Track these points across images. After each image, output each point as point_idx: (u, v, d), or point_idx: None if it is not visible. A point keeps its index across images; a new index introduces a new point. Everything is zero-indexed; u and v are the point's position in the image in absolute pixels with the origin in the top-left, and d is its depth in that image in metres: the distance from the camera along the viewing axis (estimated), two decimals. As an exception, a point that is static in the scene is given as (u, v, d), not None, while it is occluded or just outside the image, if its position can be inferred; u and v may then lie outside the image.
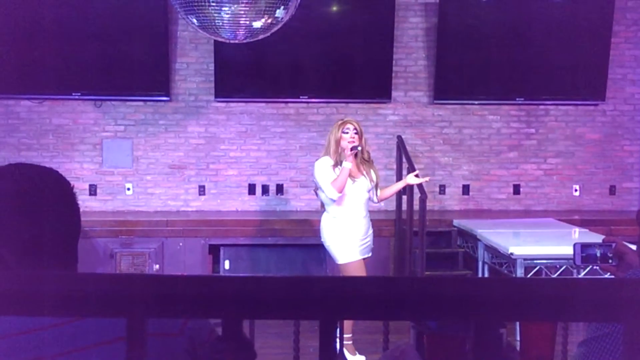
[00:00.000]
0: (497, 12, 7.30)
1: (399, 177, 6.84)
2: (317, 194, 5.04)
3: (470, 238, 6.39)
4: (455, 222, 6.80)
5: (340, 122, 4.90)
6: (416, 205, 6.01)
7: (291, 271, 6.91)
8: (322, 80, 7.30)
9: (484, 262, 6.03)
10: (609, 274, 1.82)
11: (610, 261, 1.77)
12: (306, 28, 6.97)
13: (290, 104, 7.42)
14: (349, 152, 4.70)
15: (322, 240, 5.04)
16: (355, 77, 7.29)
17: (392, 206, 7.02)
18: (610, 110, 7.66)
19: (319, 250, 6.86)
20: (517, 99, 7.47)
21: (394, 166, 7.09)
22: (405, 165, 6.55)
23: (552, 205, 7.63)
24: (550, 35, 7.30)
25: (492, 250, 5.75)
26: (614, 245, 1.77)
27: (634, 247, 1.74)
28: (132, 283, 0.72)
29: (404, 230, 6.46)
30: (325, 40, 7.18)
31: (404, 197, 6.49)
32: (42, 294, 0.69)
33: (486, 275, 5.95)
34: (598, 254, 1.79)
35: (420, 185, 5.93)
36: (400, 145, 6.81)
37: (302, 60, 7.20)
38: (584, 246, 1.82)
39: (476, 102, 7.51)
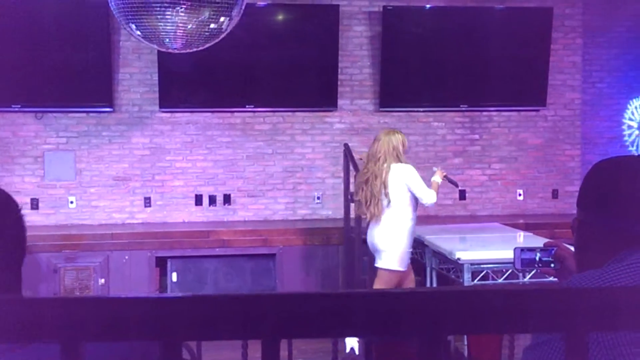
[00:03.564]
0: (440, 21, 7.40)
1: (347, 185, 6.86)
2: (388, 197, 5.09)
3: (418, 244, 6.42)
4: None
5: (396, 131, 5.28)
6: (364, 213, 6.02)
7: (240, 282, 6.86)
8: (268, 90, 7.28)
9: (432, 268, 6.08)
10: (551, 277, 1.85)
11: (552, 265, 1.80)
12: (251, 37, 6.95)
13: (236, 114, 7.38)
14: (443, 177, 5.40)
15: (380, 246, 5.13)
16: (301, 85, 7.29)
17: (340, 214, 7.04)
18: (551, 115, 7.83)
19: (268, 260, 6.85)
20: (461, 105, 7.58)
21: (342, 174, 7.10)
22: (352, 173, 6.58)
23: (497, 210, 7.75)
24: (492, 43, 7.43)
25: (439, 255, 5.79)
26: (554, 249, 1.79)
27: (575, 250, 1.76)
28: (67, 306, 0.70)
29: (352, 237, 6.47)
30: (271, 49, 7.16)
31: (352, 205, 6.51)
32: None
33: (434, 280, 6.00)
34: (537, 258, 1.81)
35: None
36: (347, 153, 6.83)
37: (248, 70, 7.17)
38: (524, 250, 1.84)
39: (421, 110, 7.59)
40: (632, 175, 1.43)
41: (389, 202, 5.08)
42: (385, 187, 5.05)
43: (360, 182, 5.25)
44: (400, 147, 5.16)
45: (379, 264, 5.12)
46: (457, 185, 5.79)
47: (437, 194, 5.23)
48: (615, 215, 1.41)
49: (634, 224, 1.38)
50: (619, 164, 1.50)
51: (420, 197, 5.09)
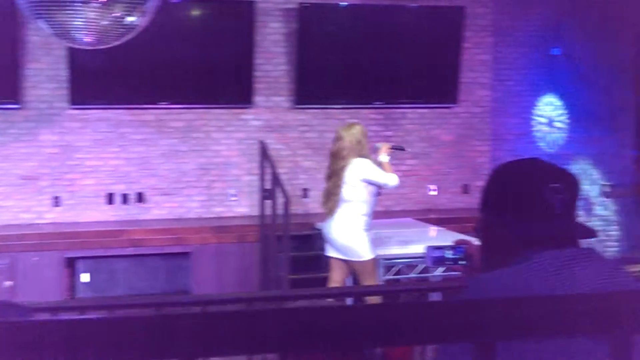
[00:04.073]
0: (355, 19, 7.46)
1: (262, 182, 6.85)
2: (342, 192, 5.11)
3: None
4: (318, 224, 6.86)
5: (354, 124, 5.25)
6: (280, 210, 6.04)
7: (154, 281, 6.76)
8: (182, 86, 7.17)
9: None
10: (460, 273, 1.90)
11: (461, 262, 1.84)
12: (165, 33, 6.81)
13: (149, 110, 7.24)
14: (389, 151, 5.31)
15: (344, 242, 5.15)
16: (215, 82, 7.22)
17: (256, 211, 7.02)
18: (462, 112, 8.02)
19: (182, 259, 6.77)
20: (376, 102, 7.68)
21: (257, 171, 7.09)
22: (268, 170, 6.58)
23: (410, 205, 7.88)
24: (406, 41, 7.55)
25: (354, 252, 5.85)
26: (464, 247, 1.84)
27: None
28: (69, 327, 0.68)
29: (268, 235, 6.47)
30: (185, 45, 7.06)
31: (268, 202, 6.51)
32: None
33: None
34: (448, 256, 1.86)
35: (282, 189, 5.98)
36: (263, 150, 6.83)
37: (161, 66, 7.04)
38: (436, 248, 1.88)
39: (337, 107, 7.64)
40: (529, 179, 1.47)
41: (342, 197, 5.12)
42: (341, 182, 5.09)
43: (326, 178, 5.32)
44: (363, 139, 5.18)
45: (357, 258, 5.15)
46: (403, 149, 5.84)
47: (392, 171, 5.21)
48: (514, 218, 1.45)
49: (531, 227, 1.42)
50: (517, 168, 1.54)
51: (383, 185, 5.16)
